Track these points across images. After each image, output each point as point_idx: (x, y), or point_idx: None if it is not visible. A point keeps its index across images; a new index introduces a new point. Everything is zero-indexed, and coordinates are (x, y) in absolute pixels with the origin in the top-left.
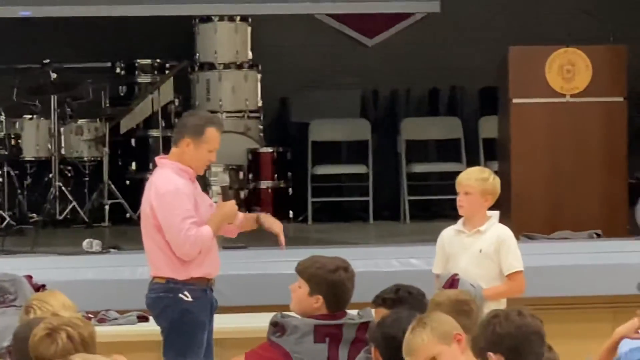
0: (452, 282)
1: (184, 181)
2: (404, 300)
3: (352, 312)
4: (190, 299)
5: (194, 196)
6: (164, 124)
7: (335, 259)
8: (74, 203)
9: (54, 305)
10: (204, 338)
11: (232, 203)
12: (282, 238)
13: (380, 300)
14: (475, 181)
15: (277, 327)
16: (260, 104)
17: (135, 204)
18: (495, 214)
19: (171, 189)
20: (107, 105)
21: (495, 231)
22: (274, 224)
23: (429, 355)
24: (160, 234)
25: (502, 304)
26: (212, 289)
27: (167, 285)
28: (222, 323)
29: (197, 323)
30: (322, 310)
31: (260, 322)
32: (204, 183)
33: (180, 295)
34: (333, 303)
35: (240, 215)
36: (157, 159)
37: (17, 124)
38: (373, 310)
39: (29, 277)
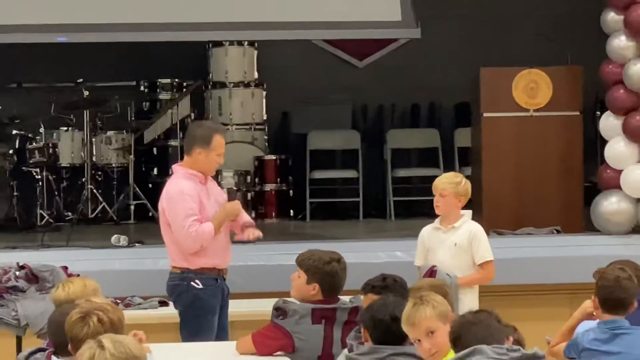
0: (431, 272)
1: (191, 184)
2: (390, 287)
3: (345, 298)
4: (200, 286)
5: (199, 197)
6: (181, 135)
7: (329, 252)
8: (104, 203)
9: (74, 283)
10: (214, 321)
11: (235, 203)
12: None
13: (370, 287)
14: (449, 184)
15: (279, 311)
16: (265, 117)
17: (157, 205)
18: (469, 212)
19: (176, 190)
20: (133, 118)
21: (468, 227)
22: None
23: (429, 328)
24: (171, 230)
25: (475, 290)
26: (224, 278)
27: (182, 274)
28: (233, 307)
29: (208, 307)
30: (318, 297)
31: (265, 306)
32: None
33: (192, 283)
34: (327, 290)
35: (246, 217)
36: (173, 166)
37: (55, 135)
38: (362, 297)
39: (65, 268)
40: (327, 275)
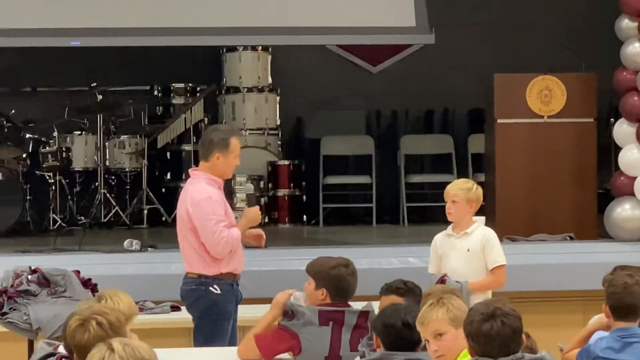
0: (442, 280)
1: (215, 190)
2: (412, 290)
3: (357, 306)
4: (218, 291)
5: (224, 203)
6: (195, 140)
7: (337, 258)
8: (117, 208)
9: (123, 301)
10: (229, 326)
11: (257, 209)
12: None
13: (394, 288)
14: (461, 191)
15: (287, 313)
16: (278, 122)
17: (170, 209)
18: (482, 219)
19: (205, 197)
20: (146, 123)
21: (481, 232)
22: (256, 238)
23: (437, 330)
24: (195, 236)
25: (488, 295)
26: (237, 283)
27: (199, 279)
28: (245, 312)
29: (224, 313)
30: (327, 301)
31: None
32: (229, 191)
33: (210, 288)
34: (335, 295)
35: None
36: (190, 170)
37: (68, 139)
38: (381, 298)
39: (77, 272)
40: (333, 279)
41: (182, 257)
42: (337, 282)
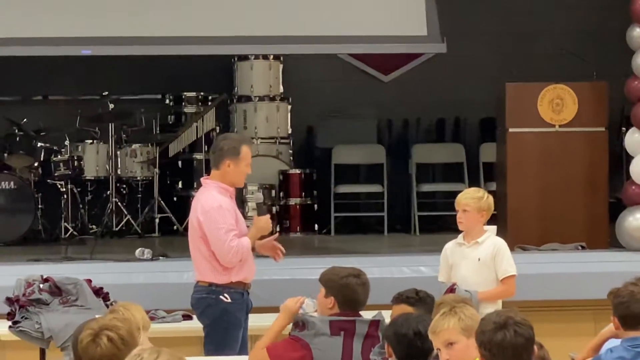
0: (452, 290)
1: (226, 199)
2: (423, 300)
3: (368, 315)
4: (229, 300)
5: (234, 211)
6: (206, 148)
7: (350, 268)
8: (129, 216)
9: (136, 316)
10: (239, 335)
11: (267, 218)
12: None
13: (404, 297)
14: (472, 200)
15: (298, 323)
16: (290, 131)
17: (182, 218)
18: (493, 228)
19: (215, 205)
20: (158, 131)
21: (491, 242)
22: (272, 250)
23: (448, 339)
24: (206, 244)
25: (498, 305)
26: (248, 292)
27: (210, 287)
28: (256, 321)
29: (234, 321)
30: (335, 310)
31: None
32: (240, 200)
33: (221, 296)
34: (343, 304)
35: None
36: (202, 179)
37: (80, 147)
38: (393, 307)
39: (89, 281)
40: (342, 288)
41: (194, 265)
42: (345, 291)
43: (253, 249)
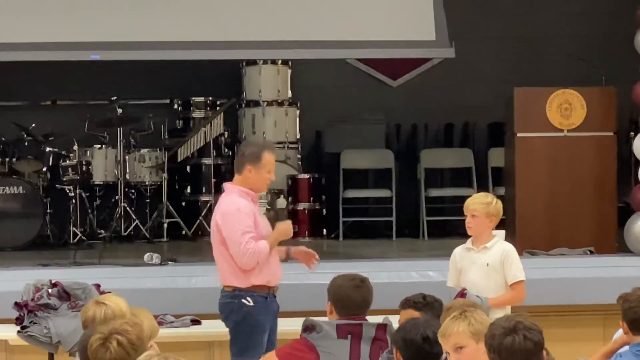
0: (462, 295)
1: (245, 202)
2: (430, 305)
3: (376, 319)
4: (251, 303)
5: (254, 214)
6: (215, 153)
7: (353, 274)
8: (137, 221)
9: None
10: (263, 339)
11: (289, 222)
12: (312, 264)
13: (412, 302)
14: (480, 205)
15: (307, 327)
16: (298, 136)
17: (190, 223)
18: (502, 233)
19: (233, 208)
20: (166, 136)
21: (500, 247)
22: (306, 256)
23: (457, 343)
24: (225, 247)
25: (507, 311)
26: (274, 295)
27: (233, 292)
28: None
29: (257, 325)
30: (334, 315)
31: (296, 325)
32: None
33: (243, 300)
34: (339, 308)
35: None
36: (224, 185)
37: (88, 152)
38: (400, 312)
39: (97, 286)
40: (335, 292)
41: (217, 269)
42: (337, 295)
43: (287, 255)
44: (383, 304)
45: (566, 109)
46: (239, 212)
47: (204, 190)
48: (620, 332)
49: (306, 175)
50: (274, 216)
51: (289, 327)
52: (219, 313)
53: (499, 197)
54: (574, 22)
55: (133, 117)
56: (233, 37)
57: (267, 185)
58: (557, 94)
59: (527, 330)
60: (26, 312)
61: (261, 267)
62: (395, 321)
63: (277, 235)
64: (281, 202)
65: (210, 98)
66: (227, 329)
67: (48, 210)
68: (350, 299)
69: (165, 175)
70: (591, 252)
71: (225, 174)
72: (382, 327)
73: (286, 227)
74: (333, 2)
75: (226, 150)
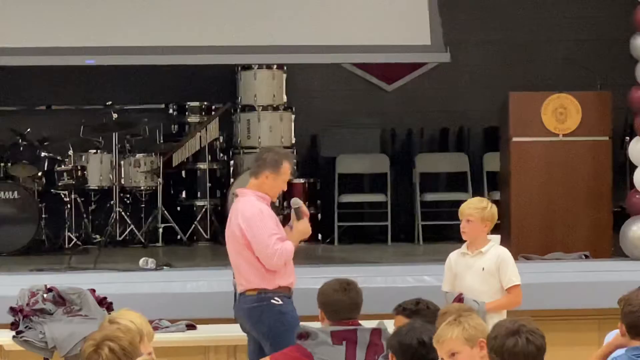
0: (459, 300)
1: (265, 205)
2: (420, 312)
3: (370, 325)
4: (280, 302)
5: (275, 217)
6: (210, 158)
7: (338, 278)
8: (132, 226)
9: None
10: None
11: (307, 222)
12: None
13: (401, 309)
14: (475, 210)
15: (301, 334)
16: (293, 140)
17: (185, 227)
18: (497, 237)
19: (256, 212)
20: (161, 141)
21: (495, 251)
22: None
23: (451, 349)
24: (250, 251)
25: (503, 315)
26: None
27: (259, 295)
28: None
29: (292, 320)
30: (326, 321)
31: None
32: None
33: (272, 301)
34: (329, 313)
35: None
36: (237, 190)
37: (83, 157)
38: (394, 318)
39: (93, 291)
40: (320, 298)
41: (237, 275)
42: (327, 300)
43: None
44: (378, 308)
45: (561, 113)
46: (262, 215)
47: (199, 195)
48: (612, 334)
49: (301, 180)
50: (293, 215)
51: None
52: (245, 320)
53: (494, 201)
54: (569, 26)
55: (128, 122)
56: (228, 42)
57: (278, 194)
58: (552, 98)
59: (530, 333)
60: (21, 317)
61: (286, 269)
62: (390, 326)
63: (298, 236)
64: (296, 202)
65: (206, 103)
66: (244, 334)
67: (43, 215)
68: (339, 303)
69: (160, 180)
70: (586, 257)
71: (220, 178)
72: (377, 331)
73: (304, 227)
74: (328, 6)
75: (221, 155)
